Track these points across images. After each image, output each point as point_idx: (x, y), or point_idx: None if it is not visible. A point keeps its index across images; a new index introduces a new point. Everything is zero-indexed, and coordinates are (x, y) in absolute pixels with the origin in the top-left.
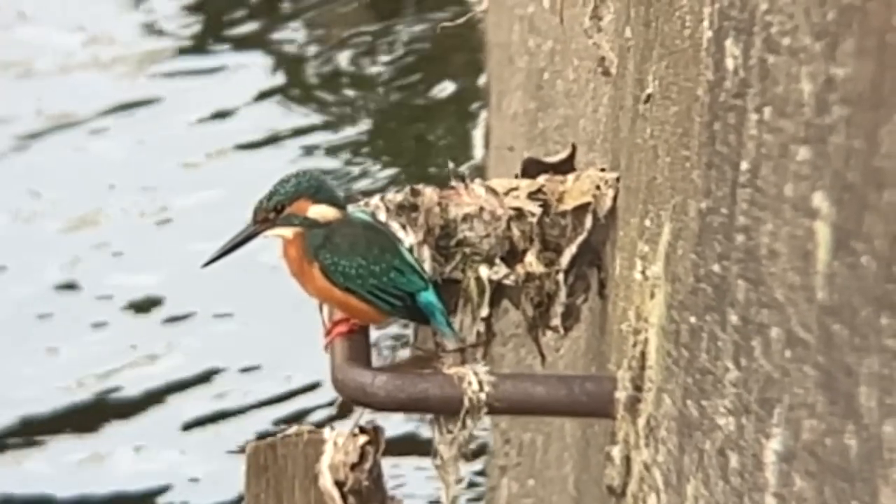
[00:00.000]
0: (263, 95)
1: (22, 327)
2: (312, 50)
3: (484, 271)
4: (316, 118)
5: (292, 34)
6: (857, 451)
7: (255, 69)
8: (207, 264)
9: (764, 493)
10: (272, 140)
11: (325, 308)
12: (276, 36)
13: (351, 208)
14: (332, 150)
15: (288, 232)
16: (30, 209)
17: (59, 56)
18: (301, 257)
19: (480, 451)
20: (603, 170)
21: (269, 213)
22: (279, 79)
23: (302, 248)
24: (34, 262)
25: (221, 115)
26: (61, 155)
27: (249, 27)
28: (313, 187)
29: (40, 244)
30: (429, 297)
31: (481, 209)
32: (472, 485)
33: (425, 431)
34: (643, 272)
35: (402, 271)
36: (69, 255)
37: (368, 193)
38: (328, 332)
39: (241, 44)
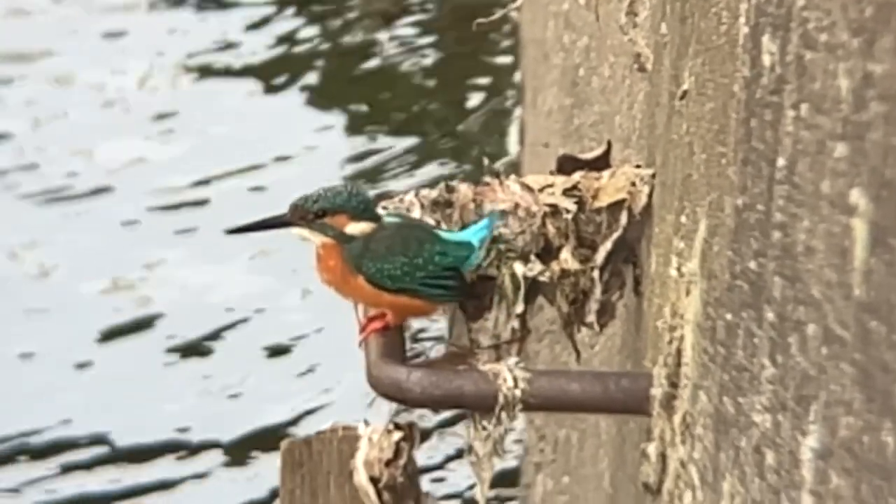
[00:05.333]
0: (297, 93)
1: None
2: (346, 47)
3: (519, 268)
4: (350, 115)
5: (323, 30)
6: (895, 449)
7: (287, 66)
8: (232, 232)
9: (800, 490)
10: (307, 138)
11: (360, 305)
12: (307, 33)
13: (382, 210)
14: (366, 147)
15: (316, 239)
16: None
17: None
18: (342, 269)
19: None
20: (638, 166)
21: (308, 214)
22: (311, 77)
23: (342, 259)
24: None
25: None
26: None
27: (283, 22)
28: (360, 207)
29: None
30: (477, 239)
31: (516, 206)
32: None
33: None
34: (679, 269)
35: (445, 252)
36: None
37: (403, 189)
38: (363, 329)
39: (272, 39)
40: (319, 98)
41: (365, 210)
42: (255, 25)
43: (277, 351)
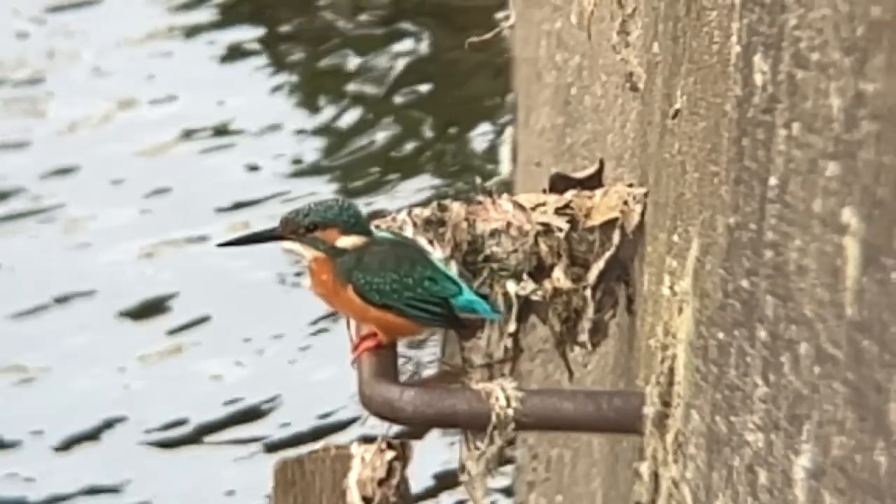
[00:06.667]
0: (291, 114)
1: None
2: (338, 65)
3: (511, 287)
4: (343, 133)
5: (315, 46)
6: (888, 468)
7: (281, 89)
8: (222, 245)
9: None
10: (299, 155)
11: (353, 323)
12: (301, 47)
13: (375, 228)
14: (359, 166)
15: (307, 252)
16: None
17: None
18: (333, 282)
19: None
20: (631, 185)
21: (299, 228)
22: (304, 92)
23: (333, 272)
24: None
25: (242, 129)
26: None
27: (265, 36)
28: (351, 221)
29: None
30: (466, 296)
31: (509, 224)
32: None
33: None
34: (671, 288)
35: (435, 279)
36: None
37: (395, 209)
38: (355, 348)
39: (254, 58)
40: (308, 114)
41: (356, 224)
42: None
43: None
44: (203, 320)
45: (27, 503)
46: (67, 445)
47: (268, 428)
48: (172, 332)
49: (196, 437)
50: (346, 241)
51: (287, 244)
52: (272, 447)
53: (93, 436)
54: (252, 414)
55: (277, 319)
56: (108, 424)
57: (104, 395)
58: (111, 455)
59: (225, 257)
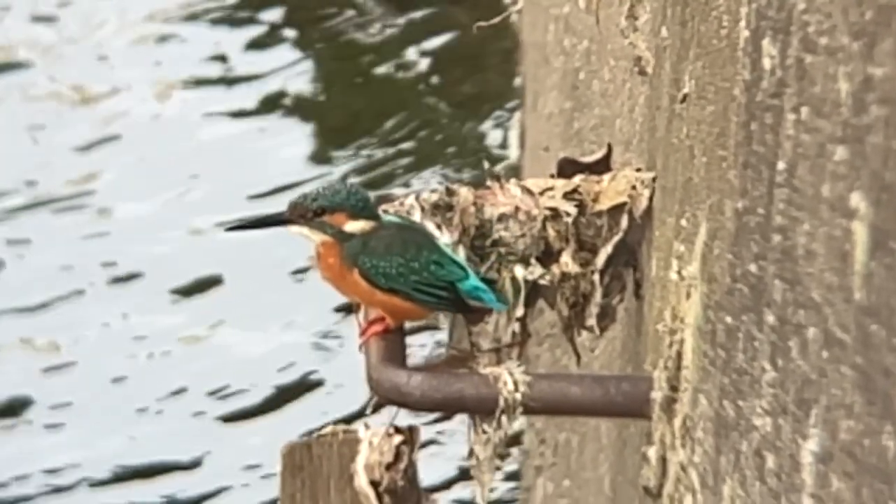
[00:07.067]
0: (294, 94)
1: None
2: (346, 48)
3: (519, 271)
4: (350, 118)
5: (324, 30)
6: None
7: (287, 69)
8: (231, 230)
9: (801, 493)
10: (307, 139)
11: (361, 308)
12: (309, 33)
13: (382, 213)
14: (367, 151)
15: (315, 237)
16: None
17: None
18: (340, 265)
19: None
20: (639, 170)
21: (307, 213)
22: (313, 77)
23: (340, 256)
24: None
25: (248, 114)
26: None
27: (280, 21)
28: (359, 205)
29: None
30: (472, 282)
31: (517, 209)
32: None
33: None
34: (679, 272)
35: (441, 263)
36: None
37: (404, 193)
38: (363, 332)
39: (270, 42)
40: (318, 103)
41: (364, 208)
42: (254, 36)
43: None
44: (237, 304)
45: (63, 486)
46: (104, 426)
47: (301, 410)
48: (206, 315)
49: (230, 419)
50: (354, 226)
51: (295, 228)
52: (306, 431)
53: (128, 417)
54: (285, 396)
55: (312, 303)
56: (142, 406)
57: (138, 378)
58: (143, 436)
59: (255, 242)
